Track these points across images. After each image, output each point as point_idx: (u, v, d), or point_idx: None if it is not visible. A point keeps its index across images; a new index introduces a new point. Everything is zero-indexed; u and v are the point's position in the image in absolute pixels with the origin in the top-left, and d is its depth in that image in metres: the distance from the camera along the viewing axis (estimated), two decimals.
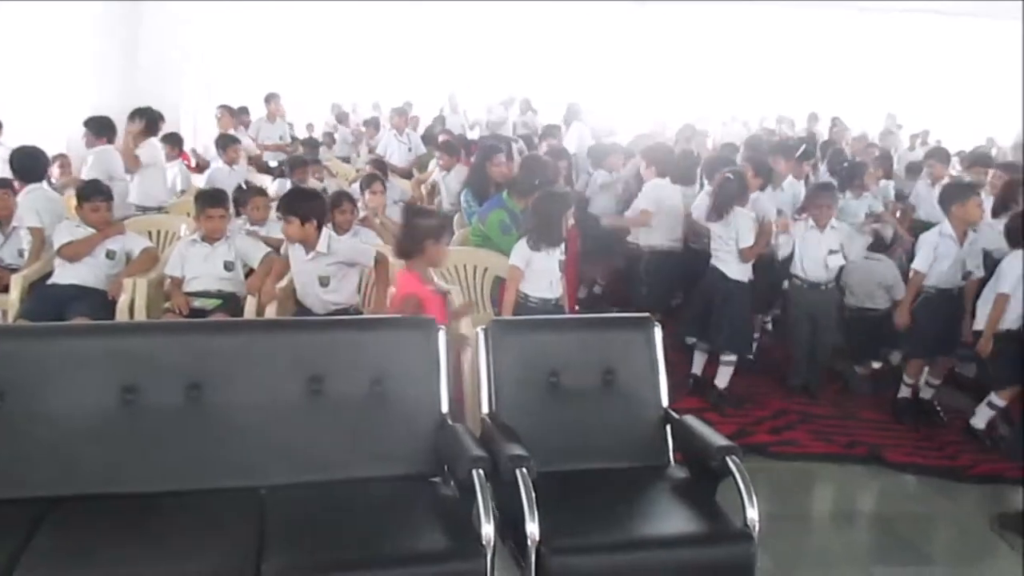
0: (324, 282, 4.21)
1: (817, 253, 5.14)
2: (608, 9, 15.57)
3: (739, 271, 4.96)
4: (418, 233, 3.63)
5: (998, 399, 4.61)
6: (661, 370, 3.19)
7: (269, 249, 4.76)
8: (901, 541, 3.87)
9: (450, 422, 2.93)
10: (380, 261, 4.25)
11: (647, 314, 3.35)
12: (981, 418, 4.69)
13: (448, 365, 3.04)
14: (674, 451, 3.13)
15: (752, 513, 2.64)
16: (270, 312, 4.22)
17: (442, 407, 2.97)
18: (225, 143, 7.48)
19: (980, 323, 4.54)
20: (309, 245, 4.17)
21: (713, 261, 5.07)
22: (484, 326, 3.14)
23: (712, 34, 16.24)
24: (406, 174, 8.66)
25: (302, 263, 4.24)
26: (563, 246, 4.50)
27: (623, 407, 3.14)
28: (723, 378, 5.07)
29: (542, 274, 4.39)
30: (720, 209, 4.94)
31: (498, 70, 15.53)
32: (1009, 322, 4.44)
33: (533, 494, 2.51)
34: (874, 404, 5.27)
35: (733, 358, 5.05)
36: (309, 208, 4.14)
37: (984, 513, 4.04)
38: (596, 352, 3.18)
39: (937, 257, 4.77)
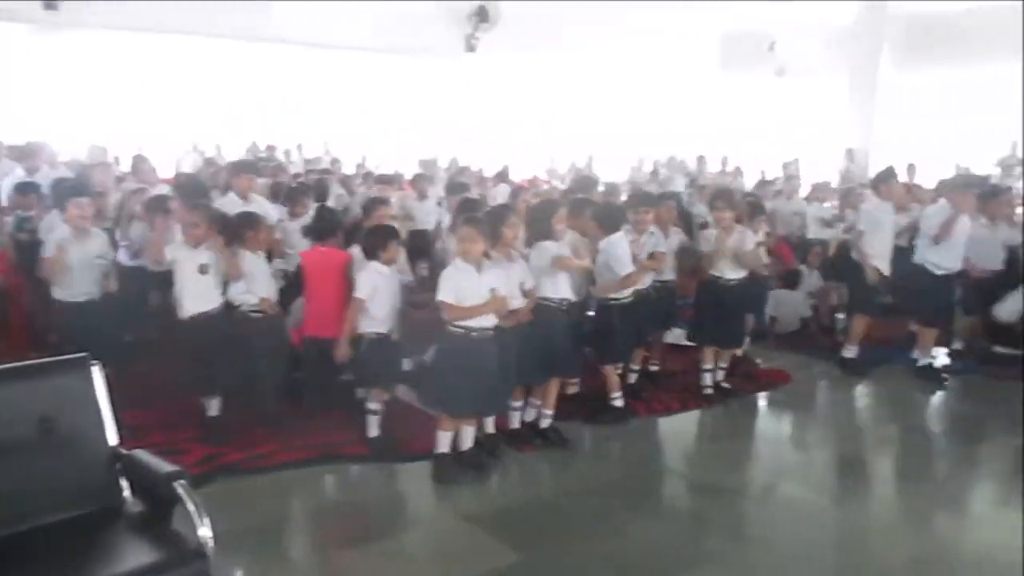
0: None
1: None
2: None
3: None
4: None
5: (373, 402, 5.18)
6: (105, 409, 3.15)
7: None
8: (361, 526, 4.40)
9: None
10: None
11: (84, 354, 3.26)
12: (372, 426, 5.21)
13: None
14: (132, 487, 3.14)
15: (204, 532, 2.79)
16: None
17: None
18: None
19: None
20: None
21: None
22: None
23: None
24: None
25: None
26: None
27: (67, 454, 3.04)
28: None
29: None
30: None
31: None
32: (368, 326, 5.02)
33: None
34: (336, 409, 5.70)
35: None
36: None
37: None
38: (29, 402, 3.02)
39: None
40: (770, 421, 6.29)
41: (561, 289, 5.14)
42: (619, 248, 5.47)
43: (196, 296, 5.12)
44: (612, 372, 5.75)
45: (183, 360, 5.19)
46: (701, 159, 15.14)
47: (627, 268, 5.44)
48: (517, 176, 13.03)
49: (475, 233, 4.60)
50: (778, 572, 3.97)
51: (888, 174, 7.35)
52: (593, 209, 5.85)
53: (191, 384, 5.24)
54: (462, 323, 4.60)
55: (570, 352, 5.28)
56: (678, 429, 5.84)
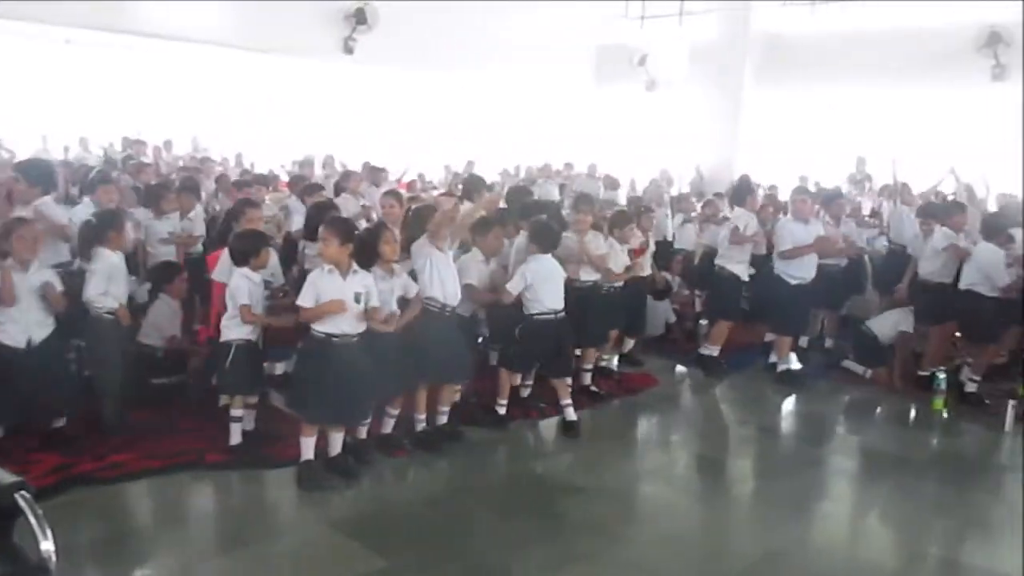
0: None
1: None
2: None
3: None
4: None
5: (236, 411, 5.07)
6: None
7: None
8: (220, 535, 4.28)
9: None
10: None
11: None
12: (235, 434, 5.09)
13: None
14: None
15: (46, 545, 2.64)
16: None
17: None
18: None
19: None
20: None
21: None
22: None
23: None
24: None
25: None
26: None
27: None
28: None
29: None
30: None
31: None
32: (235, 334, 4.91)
33: None
34: (193, 413, 5.56)
35: None
36: None
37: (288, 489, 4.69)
38: None
39: None
40: (637, 423, 6.49)
41: (449, 294, 5.16)
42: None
43: None
44: (506, 378, 5.80)
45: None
46: (568, 166, 15.47)
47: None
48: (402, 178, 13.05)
49: (330, 234, 4.55)
50: (640, 569, 4.11)
51: (747, 186, 7.74)
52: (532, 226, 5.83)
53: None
54: (324, 329, 4.54)
55: (454, 358, 5.29)
56: (552, 433, 5.95)
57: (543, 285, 5.58)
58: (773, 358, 7.40)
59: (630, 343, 7.41)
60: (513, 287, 5.53)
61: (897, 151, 8.81)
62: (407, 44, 15.28)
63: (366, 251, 4.79)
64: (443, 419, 5.46)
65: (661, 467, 5.60)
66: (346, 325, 4.58)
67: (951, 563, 4.36)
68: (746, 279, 7.34)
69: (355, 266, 4.64)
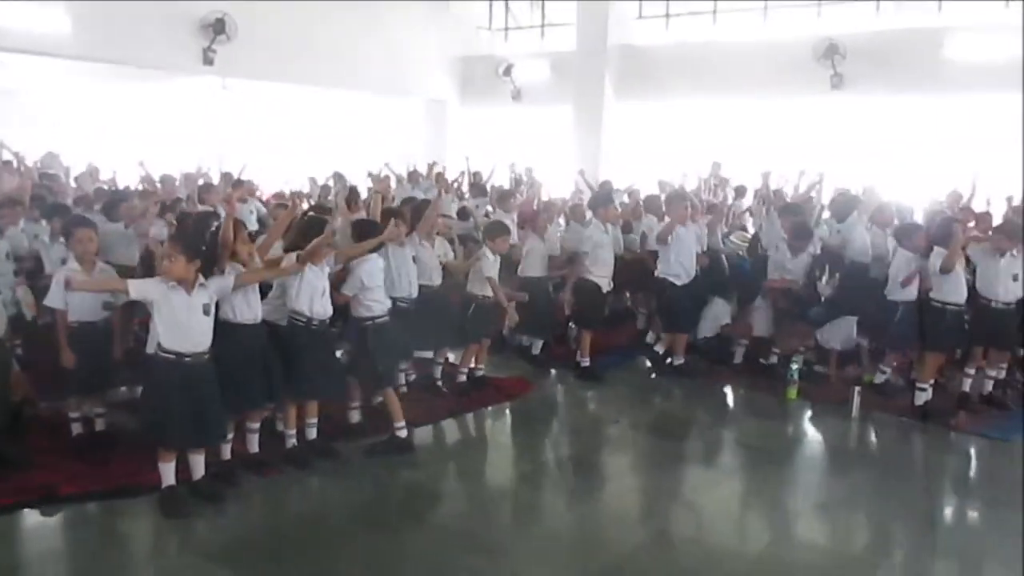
0: None
1: None
2: None
3: None
4: None
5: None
6: None
7: None
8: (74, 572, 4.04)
9: None
10: None
11: None
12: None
13: None
14: None
15: None
16: None
17: None
18: None
19: None
20: None
21: None
22: None
23: None
24: None
25: None
26: None
27: None
28: None
29: None
30: None
31: None
32: None
33: None
34: (49, 447, 5.24)
35: None
36: None
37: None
38: None
39: None
40: (513, 427, 6.55)
41: (316, 310, 5.06)
42: None
43: None
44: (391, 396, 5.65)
45: None
46: (432, 165, 15.47)
47: None
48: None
49: (176, 250, 4.39)
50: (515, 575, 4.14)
51: (606, 197, 7.97)
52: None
53: None
54: (173, 348, 4.38)
55: (319, 373, 5.17)
56: (428, 441, 5.93)
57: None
58: (660, 348, 7.72)
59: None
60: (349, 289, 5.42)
61: (764, 163, 9.25)
62: (269, 56, 14.97)
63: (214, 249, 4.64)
64: (312, 434, 5.35)
65: (537, 469, 5.67)
66: (194, 343, 4.42)
67: (808, 545, 4.62)
68: (606, 290, 7.56)
69: (202, 279, 4.46)
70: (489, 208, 10.67)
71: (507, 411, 6.71)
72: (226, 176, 12.08)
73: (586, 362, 7.53)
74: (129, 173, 15.40)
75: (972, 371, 6.70)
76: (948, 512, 5.18)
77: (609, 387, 7.41)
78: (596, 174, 15.51)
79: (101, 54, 13.59)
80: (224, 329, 4.61)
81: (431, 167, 14.68)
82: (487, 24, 19.64)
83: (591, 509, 5.05)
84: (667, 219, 7.58)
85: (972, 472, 5.93)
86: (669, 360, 7.64)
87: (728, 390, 7.40)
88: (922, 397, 6.52)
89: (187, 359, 4.39)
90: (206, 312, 4.44)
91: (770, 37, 15.53)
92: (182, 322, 4.38)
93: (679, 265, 7.38)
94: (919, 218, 8.16)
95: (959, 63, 13.28)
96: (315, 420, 5.36)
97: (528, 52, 18.55)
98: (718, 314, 7.91)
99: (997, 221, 7.87)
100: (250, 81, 18.80)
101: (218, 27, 13.84)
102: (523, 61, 17.98)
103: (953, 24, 13.56)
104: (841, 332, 7.25)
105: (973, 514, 5.17)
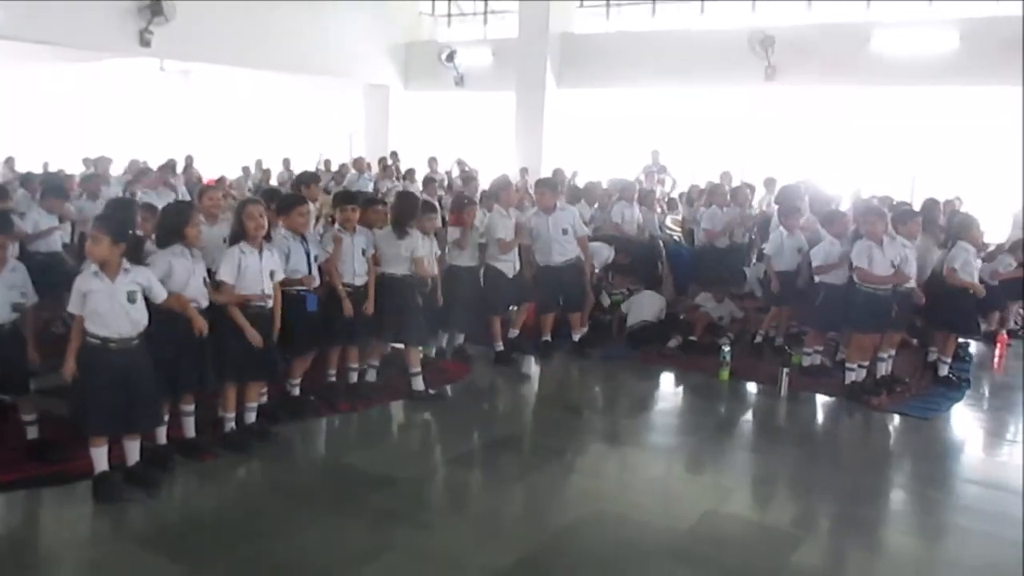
0: None
1: None
2: None
3: None
4: None
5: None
6: None
7: None
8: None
9: None
10: None
11: None
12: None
13: None
14: None
15: None
16: None
17: None
18: None
19: None
20: None
21: None
22: None
23: None
24: None
25: None
26: None
27: None
28: None
29: None
30: None
31: None
32: None
33: None
34: None
35: None
36: None
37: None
38: None
39: None
40: (452, 409, 6.61)
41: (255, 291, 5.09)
42: None
43: None
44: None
45: None
46: (382, 159, 15.47)
47: None
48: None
49: (100, 232, 4.34)
50: (451, 554, 4.20)
51: (503, 184, 8.07)
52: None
53: None
54: (97, 334, 4.34)
55: (258, 355, 5.14)
56: (364, 425, 5.98)
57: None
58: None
59: None
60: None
61: (701, 151, 9.57)
62: (209, 38, 14.73)
63: (168, 229, 4.71)
64: (251, 417, 5.36)
65: (469, 452, 5.74)
66: (122, 328, 4.37)
67: (735, 517, 4.78)
68: (511, 276, 7.58)
69: (127, 264, 4.42)
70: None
71: (451, 391, 6.77)
72: (168, 162, 11.95)
73: (499, 347, 7.65)
74: (63, 158, 15.12)
75: (885, 355, 6.92)
76: (868, 486, 5.39)
77: (541, 368, 7.63)
78: (539, 159, 15.68)
79: (32, 34, 13.21)
80: (158, 312, 4.57)
81: (391, 157, 14.77)
82: (430, 11, 19.59)
83: (522, 488, 5.13)
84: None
85: (891, 447, 6.20)
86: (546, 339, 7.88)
87: (670, 370, 7.64)
88: (850, 377, 6.77)
89: (112, 344, 4.34)
90: (131, 299, 4.37)
91: (707, 27, 15.81)
92: (104, 307, 4.31)
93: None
94: (845, 206, 8.46)
95: (886, 57, 13.71)
96: (255, 404, 5.37)
97: (471, 39, 18.56)
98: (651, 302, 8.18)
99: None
100: (188, 63, 18.50)
101: (156, 8, 13.55)
102: (466, 48, 17.99)
103: (880, 19, 14.01)
104: None
105: (893, 488, 5.41)
